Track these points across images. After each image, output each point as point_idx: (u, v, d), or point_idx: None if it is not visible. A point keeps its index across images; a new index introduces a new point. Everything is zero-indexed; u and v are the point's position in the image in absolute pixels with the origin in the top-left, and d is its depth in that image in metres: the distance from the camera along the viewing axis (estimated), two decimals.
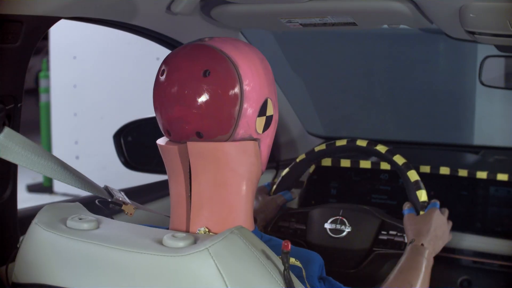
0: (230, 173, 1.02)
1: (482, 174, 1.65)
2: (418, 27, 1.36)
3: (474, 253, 1.61)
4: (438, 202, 1.43)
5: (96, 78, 4.81)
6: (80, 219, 0.99)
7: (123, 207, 1.18)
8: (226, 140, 1.01)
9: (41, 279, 0.98)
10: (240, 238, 0.89)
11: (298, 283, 0.92)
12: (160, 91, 1.02)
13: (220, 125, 0.99)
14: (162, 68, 1.02)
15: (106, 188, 1.20)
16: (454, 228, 1.44)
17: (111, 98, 4.76)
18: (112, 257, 0.92)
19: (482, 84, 1.64)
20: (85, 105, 4.92)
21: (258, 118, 1.03)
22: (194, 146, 1.00)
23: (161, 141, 1.05)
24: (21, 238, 1.05)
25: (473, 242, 1.61)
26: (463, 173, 1.68)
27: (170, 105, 1.00)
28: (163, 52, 1.32)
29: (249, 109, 1.01)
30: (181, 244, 0.89)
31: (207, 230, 1.00)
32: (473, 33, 1.29)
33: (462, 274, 1.62)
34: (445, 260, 1.53)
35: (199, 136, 1.00)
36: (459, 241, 1.60)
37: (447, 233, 1.42)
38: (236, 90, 0.99)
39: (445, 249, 1.41)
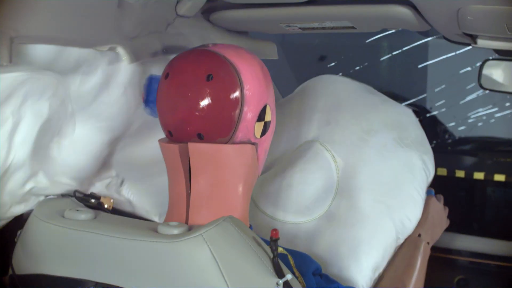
0: (229, 174, 1.05)
1: (479, 175, 1.66)
2: (417, 30, 1.36)
3: (471, 253, 1.61)
4: (433, 190, 1.45)
5: None
6: (77, 210, 1.03)
7: (102, 199, 1.19)
8: (225, 143, 1.04)
9: (40, 270, 1.00)
10: (232, 226, 0.94)
11: (287, 270, 0.95)
12: (164, 93, 1.06)
13: (220, 127, 1.03)
14: (167, 72, 1.06)
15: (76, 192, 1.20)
16: (451, 229, 1.44)
17: None
18: (109, 245, 0.95)
19: (482, 87, 1.65)
20: None
21: (257, 123, 1.07)
22: (195, 147, 1.04)
23: (162, 141, 1.09)
24: (18, 232, 1.08)
25: (470, 242, 1.61)
26: (460, 174, 1.68)
27: (173, 106, 1.04)
28: None
29: (249, 113, 1.05)
30: (175, 231, 0.93)
31: None
32: (471, 36, 1.29)
33: (459, 274, 1.62)
34: (442, 260, 1.54)
35: (200, 138, 1.03)
36: (456, 242, 1.61)
37: (444, 219, 1.44)
38: (237, 94, 1.03)
39: (442, 249, 1.42)
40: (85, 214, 1.02)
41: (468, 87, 2.70)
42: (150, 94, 1.27)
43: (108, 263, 0.95)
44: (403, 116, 1.48)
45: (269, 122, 1.10)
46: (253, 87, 1.05)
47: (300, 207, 1.35)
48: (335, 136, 1.42)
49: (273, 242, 0.91)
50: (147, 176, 1.28)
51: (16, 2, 0.92)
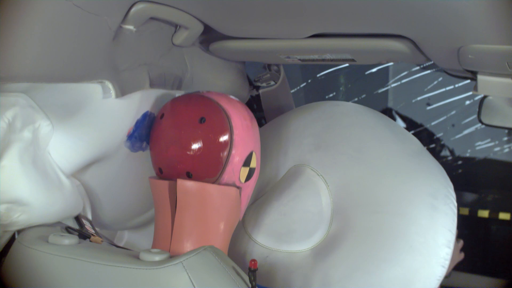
0: (211, 212, 1.13)
1: (483, 213, 1.63)
2: (417, 63, 1.35)
3: None
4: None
5: None
6: (61, 235, 1.04)
7: (91, 238, 1.18)
8: (212, 183, 1.13)
9: None
10: (212, 255, 0.97)
11: None
12: (157, 132, 1.16)
13: (209, 168, 1.12)
14: (162, 112, 1.16)
15: (78, 216, 1.21)
16: (454, 268, 1.41)
17: None
18: (91, 271, 0.97)
19: (481, 122, 1.64)
20: None
21: (242, 168, 1.16)
22: (182, 184, 1.12)
23: (152, 178, 1.18)
24: (3, 259, 1.07)
25: (473, 281, 1.58)
26: (464, 211, 1.66)
27: (165, 145, 1.13)
28: None
29: (236, 157, 1.14)
30: (156, 258, 0.96)
31: None
32: (472, 72, 1.29)
33: None
34: None
35: (189, 176, 1.12)
36: (458, 280, 1.57)
37: (457, 252, 1.42)
38: (227, 137, 1.13)
39: None
40: (69, 240, 1.04)
41: (466, 120, 2.71)
42: (138, 129, 1.26)
43: None
44: (403, 136, 1.44)
45: (254, 168, 1.19)
46: (242, 133, 1.15)
47: (295, 236, 1.33)
48: (325, 160, 1.39)
49: (251, 272, 0.95)
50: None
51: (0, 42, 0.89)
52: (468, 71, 1.31)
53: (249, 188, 1.20)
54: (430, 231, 1.26)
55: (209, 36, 1.43)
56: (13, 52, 0.91)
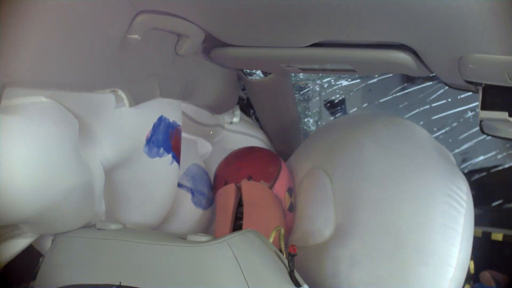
0: (268, 210, 1.44)
1: (497, 236, 1.59)
2: (418, 76, 1.35)
3: None
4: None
5: None
6: (107, 222, 1.11)
7: None
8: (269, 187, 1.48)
9: (66, 282, 1.04)
10: (255, 236, 1.01)
11: (303, 282, 1.00)
12: (221, 163, 1.59)
13: (265, 173, 1.49)
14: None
15: None
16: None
17: None
18: (137, 251, 1.02)
19: (483, 132, 1.63)
20: None
21: (286, 194, 1.50)
22: (246, 183, 1.48)
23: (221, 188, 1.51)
24: (41, 259, 1.14)
25: None
26: (477, 233, 1.62)
27: (231, 162, 1.56)
28: None
29: (283, 179, 1.51)
30: (203, 239, 1.00)
31: None
32: (472, 83, 1.28)
33: None
34: None
35: (249, 179, 1.48)
36: None
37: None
38: (277, 162, 1.56)
39: None
40: (116, 225, 1.10)
41: (464, 135, 2.69)
42: (155, 134, 1.30)
43: (135, 268, 1.00)
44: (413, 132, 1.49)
45: (293, 205, 1.51)
46: (285, 170, 1.56)
47: (309, 231, 1.46)
48: (335, 161, 1.49)
49: (291, 257, 0.98)
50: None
51: (10, 48, 0.91)
52: (469, 83, 1.30)
53: (290, 221, 1.50)
54: (424, 228, 1.27)
55: (210, 45, 1.43)
56: (19, 58, 0.93)
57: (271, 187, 1.48)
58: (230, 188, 1.46)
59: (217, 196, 1.51)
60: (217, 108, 1.64)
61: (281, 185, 1.50)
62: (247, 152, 1.58)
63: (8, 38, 0.89)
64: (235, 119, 1.77)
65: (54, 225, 1.10)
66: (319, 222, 1.45)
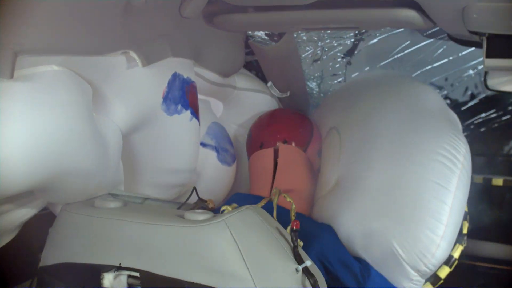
0: (303, 172, 1.51)
1: (497, 181, 1.61)
2: (422, 29, 1.35)
3: (491, 260, 1.56)
4: None
5: None
6: (106, 200, 1.08)
7: (208, 201, 1.26)
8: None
9: (66, 259, 1.05)
10: (254, 213, 0.98)
11: (307, 257, 0.99)
12: (256, 122, 1.63)
13: (300, 137, 1.54)
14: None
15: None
16: (471, 236, 1.40)
17: None
18: (136, 230, 1.00)
19: (487, 88, 1.63)
20: None
21: (317, 156, 1.57)
22: (283, 146, 1.51)
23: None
24: (50, 230, 1.12)
25: (490, 249, 1.57)
26: (478, 179, 1.64)
27: (268, 123, 1.59)
28: None
29: (315, 142, 1.57)
30: (200, 217, 0.97)
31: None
32: (476, 33, 1.28)
33: (479, 280, 1.57)
34: (463, 267, 1.48)
35: (284, 143, 1.52)
36: (476, 249, 1.57)
37: None
38: (309, 127, 1.59)
39: (462, 256, 1.37)
40: (114, 203, 1.08)
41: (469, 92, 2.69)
42: (171, 91, 1.31)
43: (134, 248, 0.99)
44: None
45: (318, 165, 1.58)
46: (317, 132, 1.60)
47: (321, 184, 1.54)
48: (347, 121, 1.54)
49: (293, 232, 0.96)
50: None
51: (19, 16, 0.92)
52: (473, 33, 1.30)
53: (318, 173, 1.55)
54: (414, 184, 1.31)
55: (213, 9, 1.43)
56: (29, 27, 0.94)
57: (304, 150, 1.53)
58: (269, 152, 1.51)
59: (252, 158, 1.56)
60: (223, 71, 1.64)
61: (313, 148, 1.55)
62: (282, 115, 1.61)
63: (16, 7, 0.90)
64: None
65: (66, 194, 1.11)
66: (326, 175, 1.51)
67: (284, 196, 1.21)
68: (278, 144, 1.52)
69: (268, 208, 1.20)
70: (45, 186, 1.03)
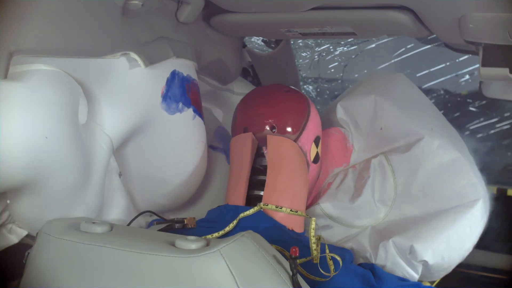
0: (295, 169, 1.28)
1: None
2: (418, 36, 1.35)
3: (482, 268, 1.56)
4: None
5: None
6: (93, 223, 1.00)
7: (186, 220, 1.21)
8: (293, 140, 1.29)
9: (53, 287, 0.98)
10: (251, 241, 0.92)
11: (306, 285, 0.93)
12: (244, 100, 1.37)
13: (291, 124, 1.29)
14: (248, 94, 1.38)
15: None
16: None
17: None
18: (125, 259, 0.93)
19: (483, 95, 1.63)
20: None
21: (313, 144, 1.33)
22: (272, 137, 1.27)
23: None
24: (27, 253, 1.04)
25: (497, 260, 1.58)
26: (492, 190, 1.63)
27: (255, 104, 1.32)
28: None
29: (310, 129, 1.31)
30: (193, 246, 0.91)
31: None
32: (472, 43, 1.28)
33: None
34: (458, 275, 1.48)
35: (272, 130, 1.29)
36: (482, 258, 1.56)
37: None
38: (305, 108, 1.33)
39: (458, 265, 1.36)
40: (101, 227, 0.99)
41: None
42: (170, 89, 1.29)
43: (124, 278, 0.93)
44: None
45: (319, 155, 1.35)
46: (314, 115, 1.34)
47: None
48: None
49: (292, 260, 0.89)
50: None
51: (17, 16, 0.92)
52: (469, 42, 1.31)
53: (314, 172, 1.34)
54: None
55: (211, 12, 1.43)
56: (26, 27, 0.94)
57: (296, 139, 1.28)
58: (247, 138, 1.27)
59: (232, 143, 1.33)
60: (222, 77, 1.64)
61: (308, 137, 1.30)
62: (272, 93, 1.33)
63: (12, 7, 0.89)
64: None
65: (42, 207, 1.07)
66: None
67: (279, 208, 1.17)
68: (265, 130, 1.28)
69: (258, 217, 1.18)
70: (25, 185, 1.02)
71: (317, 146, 1.34)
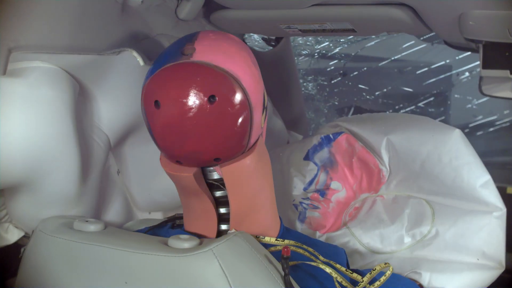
0: (259, 180, 1.00)
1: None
2: (418, 34, 1.35)
3: None
4: None
5: None
6: (86, 221, 1.00)
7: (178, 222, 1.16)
8: (242, 153, 0.96)
9: (47, 285, 0.98)
10: (243, 241, 0.91)
11: (297, 286, 0.92)
12: (161, 126, 0.91)
13: (236, 145, 0.93)
14: (155, 99, 0.90)
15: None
16: None
17: None
18: (118, 258, 0.94)
19: (482, 93, 1.63)
20: None
21: (262, 116, 0.98)
22: (227, 169, 0.95)
23: (172, 170, 0.97)
24: (22, 249, 1.05)
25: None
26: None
27: (179, 140, 0.91)
28: None
29: (256, 115, 0.94)
30: (186, 245, 0.90)
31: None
32: (472, 41, 1.28)
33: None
34: None
35: (216, 161, 0.94)
36: None
37: None
38: (245, 105, 0.91)
39: None
40: (95, 225, 0.99)
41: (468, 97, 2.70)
42: None
43: (117, 277, 0.93)
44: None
45: (266, 104, 1.01)
46: (254, 86, 0.93)
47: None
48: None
49: (284, 259, 0.88)
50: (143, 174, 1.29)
51: (16, 12, 0.92)
52: (469, 40, 1.31)
53: (265, 124, 1.03)
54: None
55: (211, 9, 1.43)
56: (25, 23, 0.94)
57: (245, 148, 0.96)
58: (190, 179, 0.96)
59: (172, 177, 1.00)
60: None
61: (255, 125, 0.95)
62: (197, 109, 0.88)
63: (13, 3, 0.89)
64: None
65: (39, 205, 1.07)
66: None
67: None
68: (215, 168, 0.98)
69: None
70: (22, 183, 1.02)
71: (265, 106, 1.00)
